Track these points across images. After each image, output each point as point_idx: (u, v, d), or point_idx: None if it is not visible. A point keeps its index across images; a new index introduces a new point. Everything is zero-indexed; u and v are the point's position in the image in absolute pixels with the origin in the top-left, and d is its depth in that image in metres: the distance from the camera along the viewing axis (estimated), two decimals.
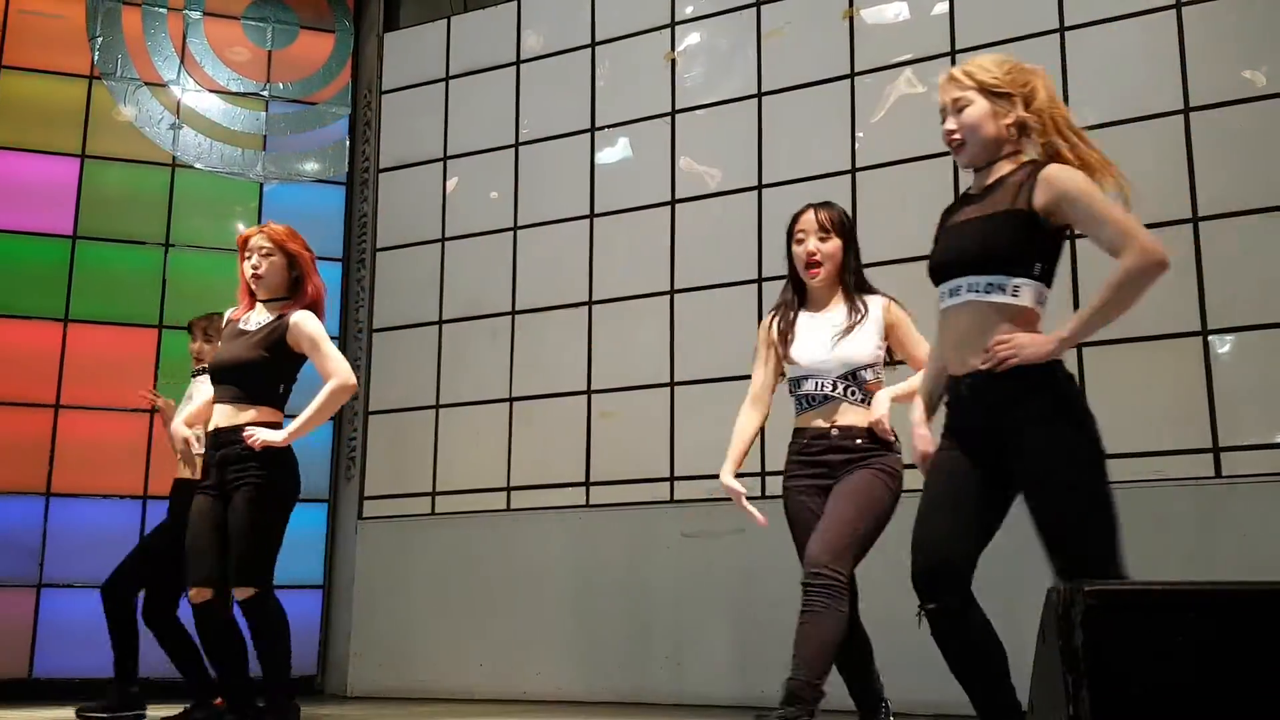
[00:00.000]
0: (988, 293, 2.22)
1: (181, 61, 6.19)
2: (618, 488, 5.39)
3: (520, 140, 5.97)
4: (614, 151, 5.76)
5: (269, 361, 3.35)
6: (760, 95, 5.41)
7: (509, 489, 5.66)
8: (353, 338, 6.25)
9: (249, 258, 3.46)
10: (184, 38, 6.22)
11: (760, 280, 5.25)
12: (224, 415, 3.36)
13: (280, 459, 3.31)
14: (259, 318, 3.45)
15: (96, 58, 6.01)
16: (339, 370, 3.35)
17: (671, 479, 5.28)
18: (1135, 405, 4.40)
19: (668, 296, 5.45)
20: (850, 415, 2.89)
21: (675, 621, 5.08)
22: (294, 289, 3.46)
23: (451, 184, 6.15)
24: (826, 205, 3.03)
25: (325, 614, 5.94)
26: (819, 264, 2.96)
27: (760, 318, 5.20)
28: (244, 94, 6.27)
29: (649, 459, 5.31)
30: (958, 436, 2.32)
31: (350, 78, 6.48)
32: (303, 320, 3.37)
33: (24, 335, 5.71)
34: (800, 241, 2.99)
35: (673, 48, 5.67)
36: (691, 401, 5.30)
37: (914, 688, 3.44)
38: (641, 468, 5.33)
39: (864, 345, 2.92)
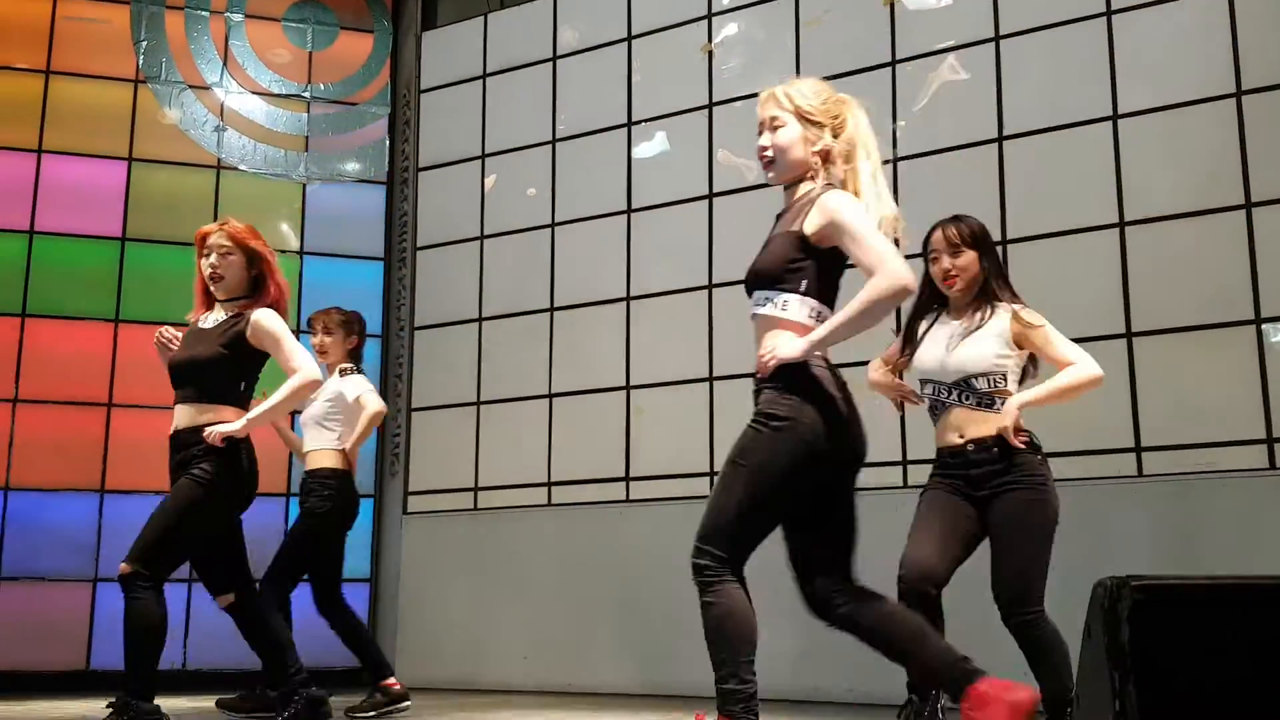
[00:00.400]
0: (764, 306, 2.43)
1: (224, 64, 6.27)
2: (658, 483, 5.39)
3: (557, 136, 5.98)
4: (651, 146, 5.74)
5: (228, 359, 3.27)
6: None
7: (550, 484, 5.67)
8: (395, 336, 6.30)
9: (207, 256, 3.36)
10: (226, 40, 6.30)
11: None
12: (184, 416, 3.28)
13: (231, 461, 3.21)
14: (217, 316, 3.38)
15: (141, 62, 6.11)
16: (303, 365, 3.27)
17: (711, 474, 5.27)
18: (1186, 396, 4.31)
19: (706, 291, 5.43)
20: (980, 426, 2.93)
21: None
22: (254, 288, 3.37)
23: (490, 181, 6.18)
24: (955, 220, 3.09)
25: (372, 607, 6.00)
26: (955, 278, 3.04)
27: None
28: (286, 95, 6.34)
29: (688, 454, 5.30)
30: None
31: (389, 77, 6.53)
32: (264, 318, 3.29)
33: (77, 336, 5.82)
34: (935, 260, 3.08)
35: (709, 39, 5.64)
36: (730, 397, 5.27)
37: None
38: (681, 463, 5.32)
39: (976, 353, 2.95)
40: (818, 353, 2.36)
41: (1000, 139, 4.84)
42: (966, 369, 2.95)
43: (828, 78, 5.27)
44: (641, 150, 5.76)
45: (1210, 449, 4.21)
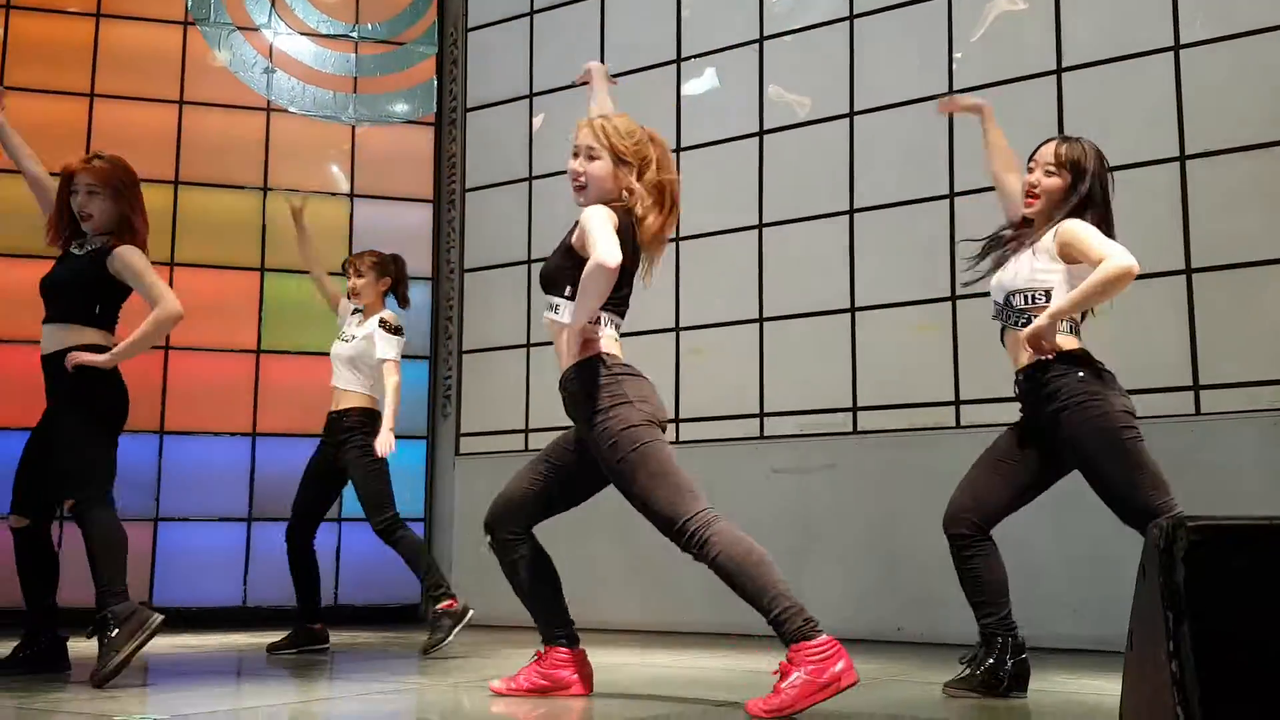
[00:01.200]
0: (551, 310, 2.86)
1: (272, 5, 6.26)
2: (707, 424, 5.39)
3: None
4: (700, 82, 5.66)
5: (85, 281, 3.35)
6: (852, 18, 5.25)
7: None
8: (445, 278, 6.33)
9: (75, 194, 3.42)
10: None
11: (851, 211, 5.14)
12: (48, 339, 3.36)
13: (99, 375, 3.28)
14: (90, 244, 3.43)
15: (190, 3, 6.11)
16: (162, 298, 3.31)
17: (761, 415, 5.26)
18: (1247, 332, 4.21)
19: (756, 231, 5.37)
20: (1024, 352, 2.89)
21: None
22: (122, 226, 3.43)
23: (538, 121, 6.14)
24: (1069, 140, 2.99)
25: (427, 545, 6.10)
26: (1036, 196, 2.97)
27: (852, 251, 5.13)
28: (334, 36, 6.32)
29: (738, 395, 5.29)
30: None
31: (436, 15, 6.48)
32: (125, 253, 3.35)
33: None
34: (1030, 170, 3.01)
35: None
36: (781, 337, 5.24)
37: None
38: (731, 404, 5.31)
39: (1018, 271, 2.92)
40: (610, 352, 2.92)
41: (1059, 70, 4.71)
42: (1005, 286, 2.94)
43: (881, 9, 5.19)
44: (691, 87, 5.68)
45: (1272, 386, 4.12)
